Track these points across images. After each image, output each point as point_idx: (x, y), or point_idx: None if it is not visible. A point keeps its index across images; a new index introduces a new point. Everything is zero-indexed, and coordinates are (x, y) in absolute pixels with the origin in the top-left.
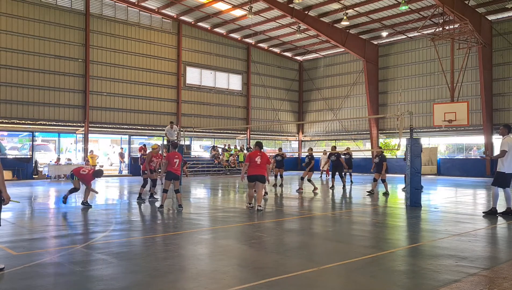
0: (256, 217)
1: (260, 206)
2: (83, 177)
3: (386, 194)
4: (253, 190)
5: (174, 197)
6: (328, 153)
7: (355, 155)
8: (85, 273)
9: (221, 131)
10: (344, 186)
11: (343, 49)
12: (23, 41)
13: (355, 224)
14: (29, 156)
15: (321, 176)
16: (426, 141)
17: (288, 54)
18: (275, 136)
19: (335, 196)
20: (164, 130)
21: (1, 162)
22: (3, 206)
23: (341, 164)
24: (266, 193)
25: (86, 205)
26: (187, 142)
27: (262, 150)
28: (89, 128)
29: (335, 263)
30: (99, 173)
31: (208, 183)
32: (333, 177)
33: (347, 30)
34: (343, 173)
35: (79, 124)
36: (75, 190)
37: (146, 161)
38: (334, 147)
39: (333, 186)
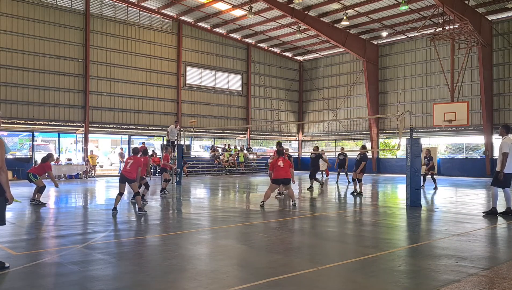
0: (256, 217)
1: (294, 201)
2: (38, 170)
3: (359, 194)
4: (271, 191)
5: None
6: (339, 153)
7: (351, 155)
8: (85, 273)
9: (221, 131)
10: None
11: (343, 49)
12: (23, 41)
13: (355, 224)
14: (29, 156)
15: (322, 176)
16: (426, 141)
17: (288, 54)
18: (275, 136)
19: (335, 196)
20: (165, 129)
21: None
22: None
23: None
24: (280, 193)
25: (39, 203)
26: (187, 142)
27: (283, 156)
28: (89, 128)
29: (335, 263)
30: (48, 158)
31: (208, 183)
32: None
33: (347, 30)
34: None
35: (79, 124)
36: (43, 189)
37: (165, 160)
38: (342, 148)
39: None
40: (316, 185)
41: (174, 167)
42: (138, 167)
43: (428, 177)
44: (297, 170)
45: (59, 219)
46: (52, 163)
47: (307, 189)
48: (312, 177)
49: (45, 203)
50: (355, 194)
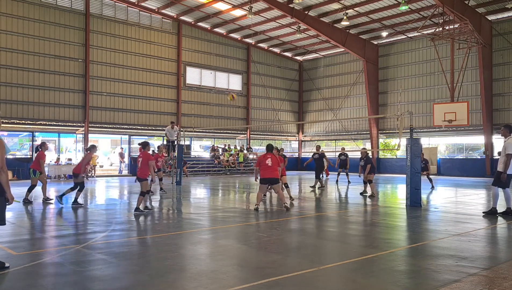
0: (256, 217)
1: (286, 203)
2: (36, 165)
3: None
4: (262, 193)
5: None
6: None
7: (352, 155)
8: (85, 273)
9: (221, 131)
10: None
11: (343, 49)
12: (23, 41)
13: (355, 224)
14: (29, 156)
15: (322, 176)
16: (426, 141)
17: (288, 54)
18: (275, 136)
19: (335, 196)
20: (164, 130)
21: None
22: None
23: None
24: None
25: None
26: (187, 142)
27: (272, 152)
28: (89, 128)
29: (335, 263)
30: (41, 146)
31: (208, 183)
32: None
33: (347, 30)
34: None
35: (79, 124)
36: (33, 187)
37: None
38: (343, 148)
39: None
40: (317, 184)
41: (161, 162)
42: (148, 162)
43: (424, 177)
44: (299, 170)
45: (59, 219)
46: (46, 151)
47: (318, 188)
48: (318, 177)
49: (32, 201)
50: (365, 195)
